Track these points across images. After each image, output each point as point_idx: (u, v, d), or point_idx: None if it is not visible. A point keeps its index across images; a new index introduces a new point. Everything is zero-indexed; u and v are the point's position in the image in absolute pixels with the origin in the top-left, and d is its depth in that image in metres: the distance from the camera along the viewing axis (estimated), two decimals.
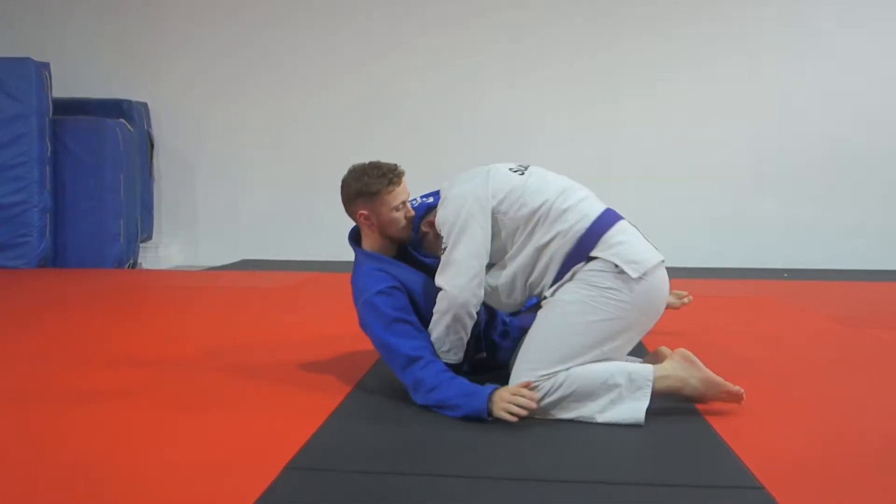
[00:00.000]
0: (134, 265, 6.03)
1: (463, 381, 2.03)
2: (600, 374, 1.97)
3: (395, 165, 2.24)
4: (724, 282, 5.02)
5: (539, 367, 1.99)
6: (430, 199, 2.36)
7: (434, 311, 2.13)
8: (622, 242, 2.05)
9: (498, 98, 6.29)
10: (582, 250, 2.04)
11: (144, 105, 6.41)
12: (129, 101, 6.22)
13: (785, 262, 5.90)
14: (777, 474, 1.65)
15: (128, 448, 1.82)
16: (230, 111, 6.52)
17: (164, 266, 6.31)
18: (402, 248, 2.35)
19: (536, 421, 1.96)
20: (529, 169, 2.20)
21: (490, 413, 1.95)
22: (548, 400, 1.97)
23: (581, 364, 1.98)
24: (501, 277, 2.13)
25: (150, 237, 6.45)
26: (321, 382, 2.28)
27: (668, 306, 2.36)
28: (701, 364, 2.06)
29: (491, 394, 1.96)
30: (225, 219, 6.58)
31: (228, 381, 2.44)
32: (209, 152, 6.60)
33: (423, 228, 2.27)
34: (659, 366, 2.04)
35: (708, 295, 3.91)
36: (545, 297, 2.10)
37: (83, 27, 6.52)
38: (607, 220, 2.09)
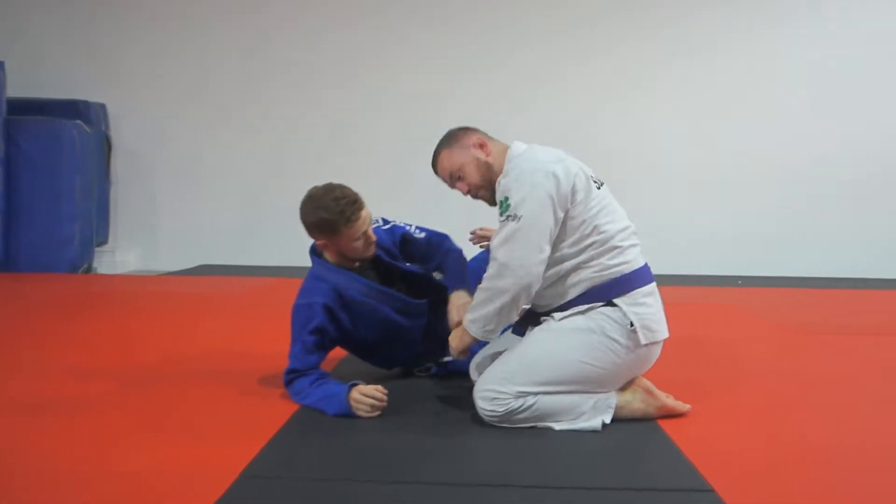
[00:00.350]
0: (89, 270, 5.90)
1: (326, 387, 2.13)
2: (567, 404, 2.00)
3: (355, 197, 2.18)
4: (682, 289, 5.12)
5: (515, 383, 1.97)
6: (388, 226, 2.41)
7: (485, 286, 2.00)
8: (647, 305, 2.06)
9: (468, 104, 6.33)
10: (610, 292, 2.03)
11: (102, 106, 6.29)
12: (87, 102, 6.10)
13: (740, 270, 6.03)
14: (726, 477, 1.70)
15: (81, 457, 1.79)
16: (191, 113, 6.44)
17: (120, 271, 6.19)
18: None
19: (494, 427, 1.98)
20: (604, 186, 2.13)
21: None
22: (512, 418, 1.97)
23: (554, 392, 1.99)
24: None
25: (106, 241, 6.32)
26: (279, 390, 2.27)
27: None
28: (658, 393, 2.12)
29: (348, 394, 2.07)
30: (184, 223, 6.49)
31: (185, 388, 2.41)
32: (169, 155, 6.51)
33: (465, 189, 2.18)
34: (621, 396, 2.07)
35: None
36: (547, 318, 2.09)
37: (39, 25, 6.38)
38: (644, 276, 2.10)
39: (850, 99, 6.14)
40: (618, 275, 2.04)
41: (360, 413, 2.07)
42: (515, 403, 1.96)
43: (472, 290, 2.22)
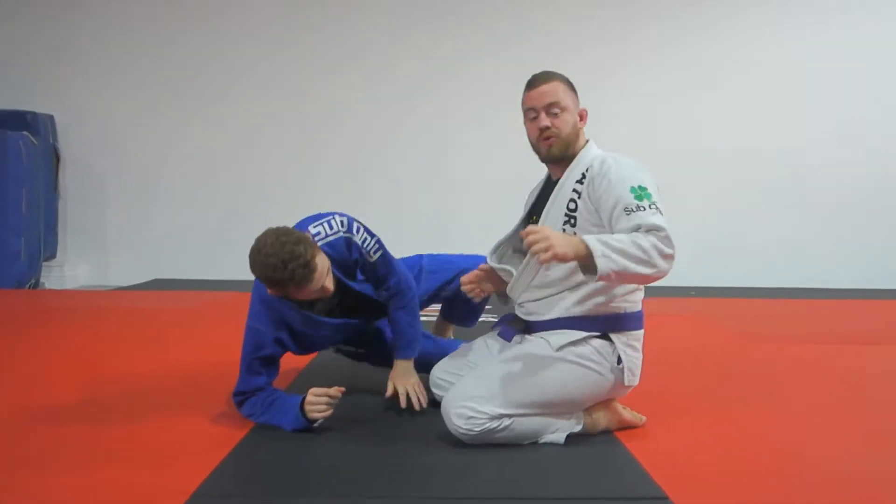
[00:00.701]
0: (36, 285, 5.74)
1: (279, 402, 2.11)
2: (540, 425, 2.00)
3: (308, 258, 1.93)
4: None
5: (495, 404, 1.94)
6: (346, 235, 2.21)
7: (650, 248, 1.80)
8: (637, 350, 2.10)
9: (424, 118, 6.35)
10: (612, 326, 2.04)
11: (50, 117, 6.14)
12: (34, 113, 5.95)
13: (695, 281, 6.15)
14: (682, 486, 1.73)
15: (23, 482, 1.73)
16: (143, 125, 6.33)
17: (69, 286, 6.03)
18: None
19: (452, 440, 1.98)
20: None
21: (310, 419, 2.05)
22: (485, 436, 1.95)
23: (531, 414, 1.98)
24: (558, 270, 2.02)
25: (54, 255, 6.16)
26: (233, 407, 2.23)
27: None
28: (618, 407, 2.15)
29: (302, 402, 2.05)
30: (137, 236, 6.36)
31: (138, 406, 2.36)
32: (120, 167, 6.37)
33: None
34: (586, 416, 2.08)
35: None
36: (541, 334, 2.07)
37: None
38: (641, 319, 2.13)
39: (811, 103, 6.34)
40: (622, 311, 2.06)
41: (316, 414, 2.04)
42: (491, 424, 1.94)
43: (416, 353, 2.32)
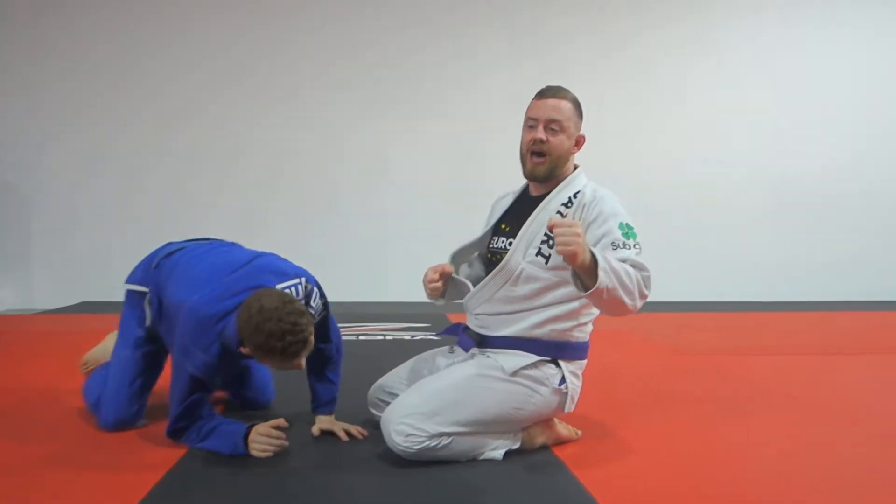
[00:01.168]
0: None
1: (220, 428, 2.07)
2: (478, 446, 2.01)
3: (305, 336, 1.89)
4: None
5: (436, 422, 1.93)
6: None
7: (639, 279, 1.89)
8: (579, 378, 2.15)
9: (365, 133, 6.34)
10: (563, 352, 2.08)
11: None
12: None
13: None
14: (617, 499, 1.77)
15: None
16: (68, 145, 6.12)
17: None
18: None
19: (393, 457, 1.97)
20: None
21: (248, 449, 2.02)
22: (424, 454, 1.94)
23: (471, 433, 1.98)
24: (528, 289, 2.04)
25: None
26: (162, 430, 2.17)
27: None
28: (555, 425, 2.18)
29: (246, 435, 2.02)
30: (62, 258, 6.12)
31: (66, 432, 2.27)
32: (46, 187, 6.14)
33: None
34: (523, 432, 2.10)
35: None
36: (493, 352, 2.08)
37: None
38: (587, 349, 2.17)
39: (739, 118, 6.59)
40: (574, 340, 2.10)
41: (256, 453, 2.01)
42: (430, 442, 1.93)
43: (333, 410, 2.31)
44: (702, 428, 2.42)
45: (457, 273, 2.22)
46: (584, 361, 2.17)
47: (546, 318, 2.05)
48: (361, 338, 4.17)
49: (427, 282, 2.17)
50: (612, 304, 1.86)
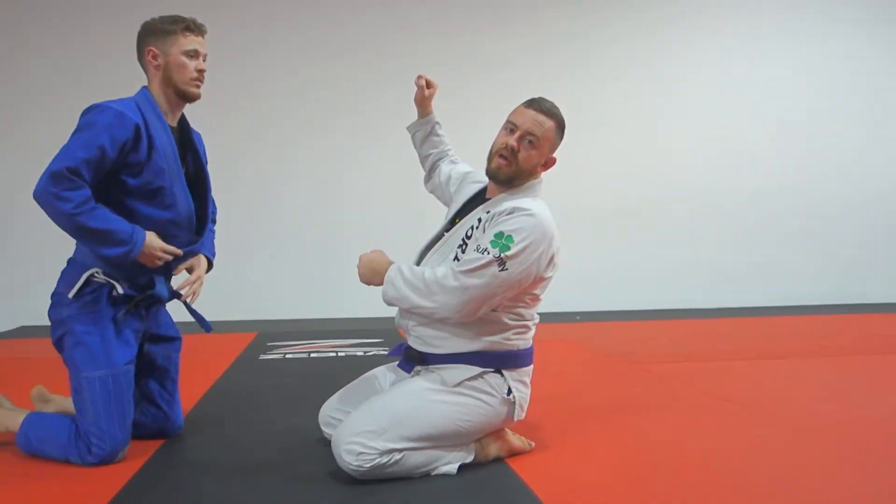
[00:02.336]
0: None
1: (112, 217, 2.06)
2: (431, 457, 2.00)
3: (201, 23, 2.21)
4: None
5: (385, 438, 1.91)
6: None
7: (429, 283, 1.97)
8: (527, 385, 2.16)
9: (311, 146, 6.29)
10: (503, 362, 2.06)
11: None
12: None
13: (577, 306, 6.38)
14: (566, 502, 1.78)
15: None
16: (7, 167, 5.91)
17: None
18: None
19: (345, 476, 1.95)
20: None
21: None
22: (376, 472, 1.92)
23: (421, 448, 1.97)
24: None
25: None
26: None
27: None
28: (507, 437, 2.19)
29: (143, 241, 2.08)
30: None
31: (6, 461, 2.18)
32: None
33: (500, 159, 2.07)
34: (476, 443, 2.11)
35: None
36: (434, 368, 2.07)
37: None
38: (530, 356, 2.17)
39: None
40: (515, 348, 2.10)
41: (151, 263, 2.12)
42: (381, 459, 1.91)
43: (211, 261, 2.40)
44: (650, 435, 2.46)
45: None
46: (530, 367, 2.18)
47: (477, 331, 2.04)
48: (313, 355, 4.13)
49: (424, 83, 2.47)
50: (415, 311, 2.03)
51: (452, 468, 2.03)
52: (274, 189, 6.23)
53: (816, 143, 6.98)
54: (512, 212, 2.00)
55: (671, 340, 4.73)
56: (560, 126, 2.12)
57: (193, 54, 2.18)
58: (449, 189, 2.46)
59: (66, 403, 2.44)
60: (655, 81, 6.72)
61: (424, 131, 2.57)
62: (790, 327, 5.31)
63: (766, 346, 4.51)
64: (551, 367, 3.68)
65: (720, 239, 6.81)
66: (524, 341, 2.14)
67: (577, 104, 6.55)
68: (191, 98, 2.24)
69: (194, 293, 2.30)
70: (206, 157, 2.42)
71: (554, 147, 2.13)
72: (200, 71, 2.21)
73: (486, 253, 1.94)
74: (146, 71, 2.23)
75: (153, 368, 2.35)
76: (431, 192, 2.61)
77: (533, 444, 2.26)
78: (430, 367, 2.11)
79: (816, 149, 6.98)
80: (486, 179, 2.20)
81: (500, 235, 1.95)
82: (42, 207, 2.02)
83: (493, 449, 2.14)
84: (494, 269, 1.93)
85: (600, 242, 6.57)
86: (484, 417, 2.05)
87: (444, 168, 2.53)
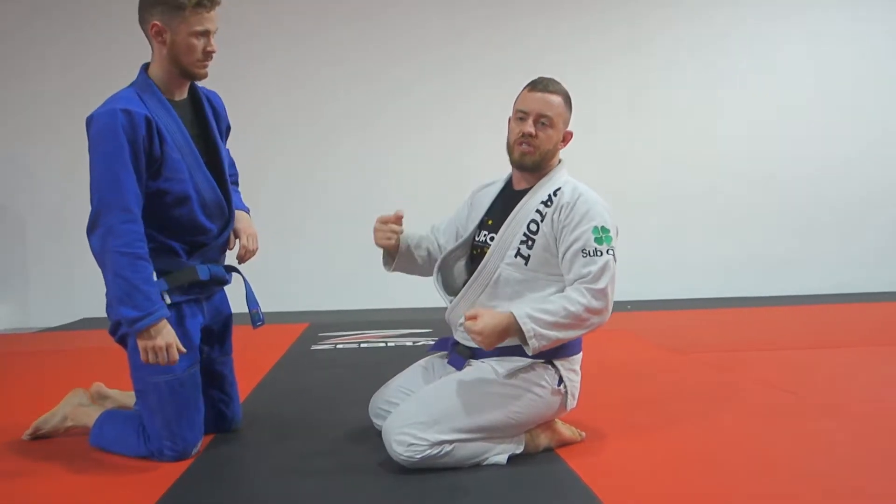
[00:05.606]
0: None
1: (145, 276, 1.95)
2: (481, 449, 1.99)
3: None
4: None
5: (436, 430, 1.92)
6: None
7: (577, 312, 1.93)
8: (577, 373, 2.14)
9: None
10: (553, 352, 2.03)
11: None
12: None
13: (628, 295, 6.30)
14: (623, 500, 1.76)
15: None
16: (60, 162, 6.09)
17: None
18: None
19: (395, 466, 1.96)
20: None
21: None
22: (427, 462, 1.92)
23: (472, 440, 1.97)
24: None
25: None
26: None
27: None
28: (558, 427, 2.17)
29: (153, 324, 1.91)
30: (59, 275, 6.11)
31: (66, 448, 2.26)
32: (39, 205, 6.13)
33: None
34: (527, 436, 2.09)
35: None
36: (485, 360, 2.07)
37: None
38: (580, 343, 2.15)
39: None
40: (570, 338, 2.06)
41: (147, 350, 1.92)
42: (432, 451, 1.92)
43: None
44: (704, 426, 2.42)
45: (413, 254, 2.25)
46: (579, 355, 2.16)
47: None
48: (363, 345, 4.17)
49: (382, 221, 2.18)
50: (568, 341, 2.00)
51: (502, 458, 2.02)
52: (324, 180, 6.30)
53: (876, 127, 6.72)
54: (575, 201, 2.03)
55: (724, 329, 4.64)
56: (567, 100, 2.12)
57: (203, 34, 2.00)
58: (460, 222, 2.33)
59: (124, 399, 2.48)
60: (712, 67, 6.56)
61: (405, 257, 2.28)
62: (848, 315, 5.15)
63: (823, 334, 4.39)
64: (602, 357, 3.64)
65: (774, 225, 6.62)
66: None
67: (632, 91, 6.48)
68: (197, 78, 2.09)
69: (254, 250, 2.25)
70: (224, 122, 2.28)
71: (567, 120, 2.13)
72: (209, 53, 2.04)
73: (599, 254, 1.97)
74: (149, 41, 2.06)
75: (213, 377, 2.32)
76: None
77: (583, 434, 2.23)
78: (480, 359, 2.10)
79: (876, 135, 6.72)
80: (490, 182, 2.26)
81: (596, 230, 1.99)
82: (94, 254, 2.01)
83: (544, 439, 2.13)
84: (609, 259, 1.98)
85: (652, 231, 6.46)
86: (535, 408, 2.04)
87: (441, 231, 2.36)
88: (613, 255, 1.99)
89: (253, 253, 2.26)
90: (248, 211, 2.38)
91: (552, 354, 2.05)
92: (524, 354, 2.01)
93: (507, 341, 1.97)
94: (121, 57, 6.02)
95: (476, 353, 2.12)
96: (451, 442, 1.94)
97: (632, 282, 6.33)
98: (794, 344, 4.01)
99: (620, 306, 5.75)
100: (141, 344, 1.93)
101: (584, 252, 1.97)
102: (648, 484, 1.89)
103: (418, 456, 1.91)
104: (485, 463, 2.00)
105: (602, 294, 1.95)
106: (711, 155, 6.58)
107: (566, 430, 2.19)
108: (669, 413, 2.57)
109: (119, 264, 1.93)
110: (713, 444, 2.22)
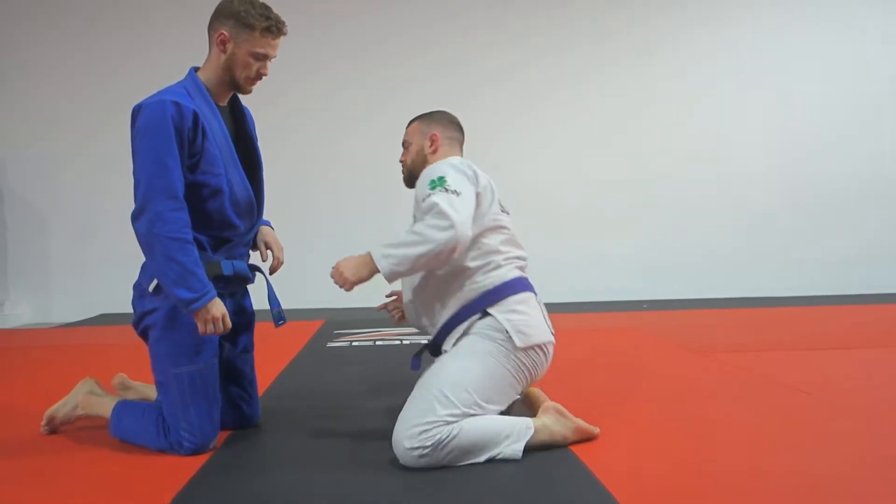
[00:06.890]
0: None
1: (196, 263, 2.04)
2: (489, 432, 2.00)
3: (283, 22, 2.13)
4: (588, 315, 5.27)
5: (437, 413, 1.96)
6: None
7: (418, 230, 2.00)
8: (519, 312, 2.14)
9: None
10: (484, 303, 2.11)
11: None
12: None
13: (644, 294, 6.27)
14: (638, 498, 1.76)
15: None
16: (84, 161, 6.19)
17: (11, 325, 5.84)
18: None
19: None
20: (509, 215, 2.29)
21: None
22: (441, 452, 1.94)
23: (472, 413, 2.00)
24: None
25: None
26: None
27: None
28: (570, 416, 2.17)
29: (205, 304, 2.02)
30: (79, 271, 6.20)
31: (86, 441, 2.29)
32: (62, 203, 6.23)
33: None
34: (537, 420, 2.11)
35: (570, 328, 4.09)
36: (444, 351, 2.15)
37: None
38: (516, 286, 2.18)
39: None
40: (490, 287, 2.14)
41: (199, 327, 2.05)
42: (442, 434, 1.93)
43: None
44: (722, 425, 2.40)
45: None
46: (519, 296, 2.17)
47: (451, 290, 2.15)
48: (378, 343, 4.19)
49: (391, 309, 2.47)
50: (423, 263, 2.02)
51: (517, 450, 2.01)
52: (339, 177, 6.34)
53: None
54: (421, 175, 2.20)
55: (739, 329, 4.61)
56: (417, 121, 2.42)
57: (262, 56, 2.12)
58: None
59: (146, 391, 2.52)
60: (727, 66, 6.53)
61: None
62: (862, 316, 5.10)
63: (837, 335, 4.35)
64: (617, 355, 3.64)
65: (789, 227, 6.58)
66: (497, 277, 2.16)
67: (643, 92, 6.45)
68: (242, 92, 2.22)
69: (280, 260, 2.39)
70: (256, 136, 2.39)
71: (425, 133, 2.38)
72: (260, 74, 2.16)
73: (433, 194, 2.06)
74: (210, 44, 2.17)
75: (234, 374, 2.36)
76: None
77: (597, 429, 2.22)
78: (445, 347, 2.19)
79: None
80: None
81: (432, 182, 2.09)
82: (140, 239, 2.12)
83: (556, 425, 2.13)
84: (441, 191, 2.05)
85: (666, 231, 6.44)
86: (505, 360, 2.08)
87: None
88: (446, 187, 2.05)
89: (282, 264, 2.40)
90: (271, 226, 2.49)
91: (482, 305, 2.12)
92: (461, 320, 2.13)
93: (441, 315, 2.16)
94: (147, 59, 6.14)
95: (436, 344, 2.22)
96: (456, 416, 1.97)
97: (647, 281, 6.35)
98: (810, 344, 3.98)
99: (636, 305, 5.80)
100: (198, 318, 2.04)
101: (424, 200, 2.08)
102: (664, 485, 1.87)
103: (430, 441, 1.92)
104: (499, 457, 2.00)
105: (440, 213, 2.00)
106: (728, 155, 6.55)
107: (579, 420, 2.18)
108: (685, 412, 2.56)
109: (171, 248, 2.02)
110: (730, 444, 2.21)
